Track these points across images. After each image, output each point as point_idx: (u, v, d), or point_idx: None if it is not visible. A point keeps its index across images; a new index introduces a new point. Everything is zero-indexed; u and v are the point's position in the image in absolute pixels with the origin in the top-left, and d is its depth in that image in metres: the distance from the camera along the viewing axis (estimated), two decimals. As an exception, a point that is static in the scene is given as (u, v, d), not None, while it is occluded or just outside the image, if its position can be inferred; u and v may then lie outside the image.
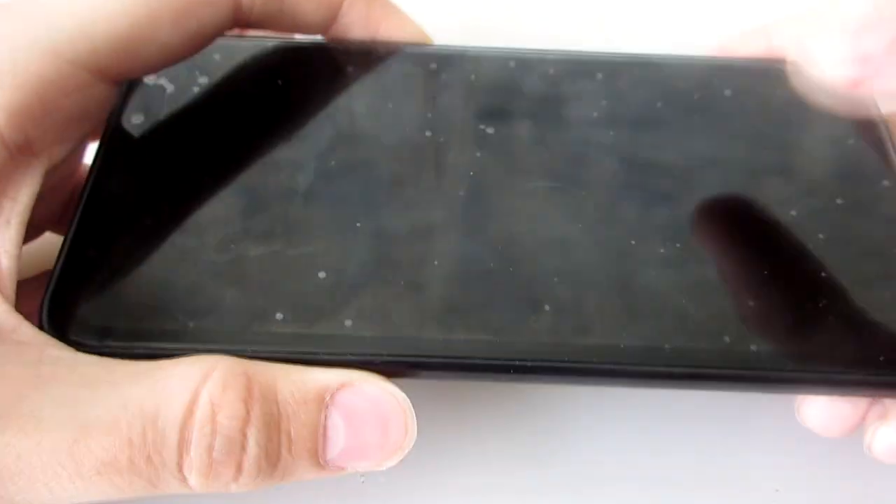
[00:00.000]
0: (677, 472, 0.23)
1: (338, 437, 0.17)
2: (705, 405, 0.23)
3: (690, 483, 0.22)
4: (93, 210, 0.20)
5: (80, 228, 0.20)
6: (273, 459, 0.17)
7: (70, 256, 0.20)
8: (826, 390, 0.20)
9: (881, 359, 0.19)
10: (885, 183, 0.22)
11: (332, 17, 0.23)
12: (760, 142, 0.23)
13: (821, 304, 0.20)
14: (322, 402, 0.17)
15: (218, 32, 0.22)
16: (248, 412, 0.16)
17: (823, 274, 0.20)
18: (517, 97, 0.23)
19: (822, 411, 0.20)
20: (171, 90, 0.23)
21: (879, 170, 0.22)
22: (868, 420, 0.20)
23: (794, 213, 0.21)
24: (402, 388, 0.18)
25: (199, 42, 0.21)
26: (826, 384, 0.19)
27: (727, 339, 0.19)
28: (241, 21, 0.22)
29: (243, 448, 0.16)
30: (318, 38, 0.24)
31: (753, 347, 0.19)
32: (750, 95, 0.24)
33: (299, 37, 0.24)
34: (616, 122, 0.23)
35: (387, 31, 0.24)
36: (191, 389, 0.16)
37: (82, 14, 0.19)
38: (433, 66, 0.24)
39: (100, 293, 0.19)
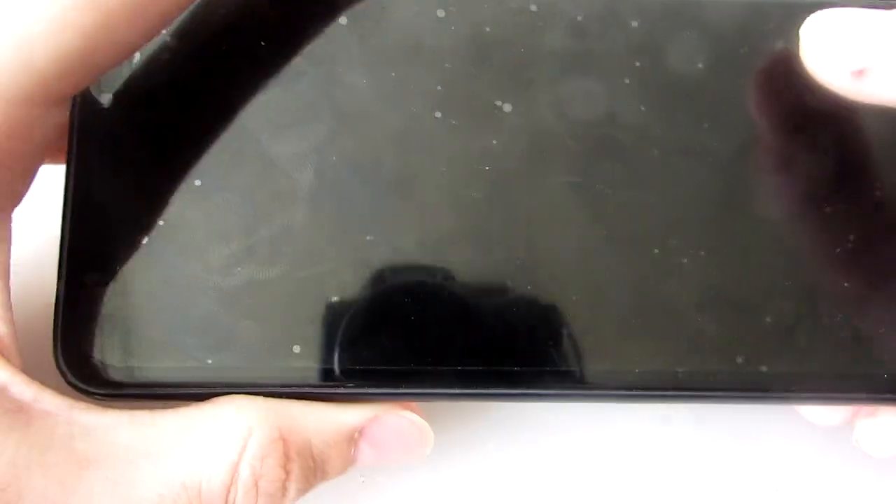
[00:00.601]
0: (677, 473, 0.23)
1: (366, 459, 0.19)
2: (705, 406, 0.23)
3: (691, 483, 0.22)
4: (80, 240, 0.18)
5: (70, 266, 0.18)
6: (309, 487, 0.18)
7: (68, 299, 0.18)
8: (831, 404, 0.20)
9: (885, 377, 0.19)
10: None
11: None
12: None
13: (833, 321, 0.19)
14: (352, 440, 0.19)
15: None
16: (287, 473, 0.17)
17: (846, 285, 0.19)
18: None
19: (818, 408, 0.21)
20: (135, 59, 0.19)
21: None
22: (858, 415, 0.20)
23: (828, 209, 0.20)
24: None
25: (162, 21, 0.18)
26: (831, 401, 0.20)
27: (740, 360, 0.19)
28: None
29: (284, 495, 0.18)
30: None
31: (764, 368, 0.19)
32: None
33: None
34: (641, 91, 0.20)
35: None
36: (230, 462, 0.17)
37: (17, 40, 0.16)
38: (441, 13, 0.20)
39: (110, 332, 0.18)
